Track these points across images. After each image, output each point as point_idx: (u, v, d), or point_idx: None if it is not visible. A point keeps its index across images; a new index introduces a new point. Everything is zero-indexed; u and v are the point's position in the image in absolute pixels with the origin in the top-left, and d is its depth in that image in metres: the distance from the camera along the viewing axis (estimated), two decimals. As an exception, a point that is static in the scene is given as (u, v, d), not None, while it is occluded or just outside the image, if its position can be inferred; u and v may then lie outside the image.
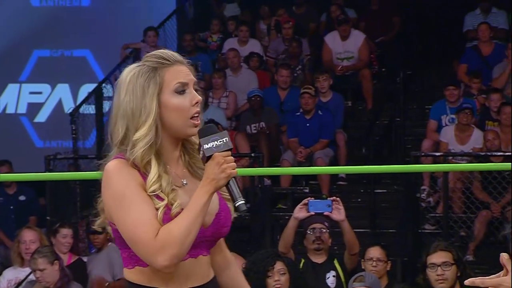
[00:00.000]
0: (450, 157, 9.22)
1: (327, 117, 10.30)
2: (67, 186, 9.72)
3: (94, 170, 9.55)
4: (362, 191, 10.29)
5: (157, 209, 2.75)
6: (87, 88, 12.20)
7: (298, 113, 10.32)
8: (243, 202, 2.77)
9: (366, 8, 12.41)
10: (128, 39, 12.18)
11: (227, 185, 2.78)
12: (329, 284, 6.48)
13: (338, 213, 6.24)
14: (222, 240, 3.01)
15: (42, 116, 13.21)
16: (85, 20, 13.04)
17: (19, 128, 13.15)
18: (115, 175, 2.79)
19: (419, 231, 9.02)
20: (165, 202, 2.75)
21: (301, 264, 6.58)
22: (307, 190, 10.19)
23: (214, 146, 2.77)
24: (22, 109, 13.31)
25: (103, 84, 11.19)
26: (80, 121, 10.74)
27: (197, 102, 2.81)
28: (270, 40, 12.23)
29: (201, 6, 13.44)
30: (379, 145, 10.88)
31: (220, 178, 2.74)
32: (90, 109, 11.00)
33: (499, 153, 8.78)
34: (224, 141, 2.78)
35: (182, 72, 2.83)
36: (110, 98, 11.33)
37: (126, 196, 2.76)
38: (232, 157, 2.77)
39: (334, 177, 10.17)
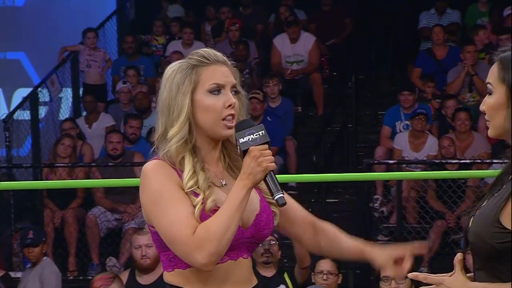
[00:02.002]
0: (404, 165, 9.29)
1: (276, 123, 10.32)
2: (0, 196, 9.64)
3: (29, 180, 9.53)
4: (312, 200, 10.32)
5: (194, 206, 2.80)
6: (21, 93, 12.09)
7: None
8: (282, 195, 2.79)
9: (316, 9, 12.47)
10: (66, 41, 12.10)
11: (264, 179, 2.79)
12: None
13: None
14: (315, 218, 3.14)
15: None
16: (19, 21, 12.95)
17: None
18: (151, 176, 2.85)
19: (372, 242, 9.04)
20: (201, 197, 2.81)
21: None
22: (255, 200, 10.22)
23: (250, 140, 2.80)
24: None
25: (39, 89, 11.10)
26: (14, 127, 10.63)
27: (230, 105, 2.85)
28: (216, 43, 12.23)
29: (142, 6, 13.40)
30: (330, 153, 10.94)
31: (257, 172, 2.77)
32: (25, 115, 10.90)
33: (454, 161, 8.86)
34: (261, 134, 2.81)
35: (220, 72, 2.89)
36: (46, 103, 11.27)
37: (163, 196, 2.82)
38: (269, 151, 2.80)
39: (283, 186, 10.14)
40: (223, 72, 2.89)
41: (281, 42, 11.52)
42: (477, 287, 2.67)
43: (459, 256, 2.71)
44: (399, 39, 12.12)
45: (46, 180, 9.33)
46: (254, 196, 2.88)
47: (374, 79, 12.01)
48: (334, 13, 12.33)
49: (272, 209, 2.93)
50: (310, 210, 10.64)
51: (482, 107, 2.75)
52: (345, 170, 9.91)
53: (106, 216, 9.46)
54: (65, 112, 11.77)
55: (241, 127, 2.83)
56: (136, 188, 10.14)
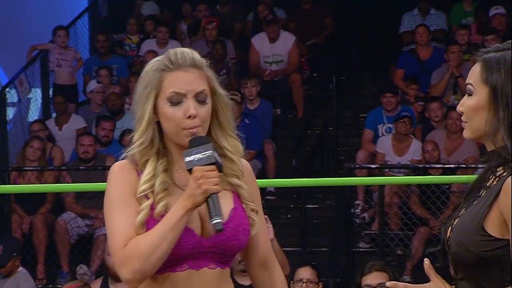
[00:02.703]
0: (387, 170, 9.31)
1: (255, 126, 10.32)
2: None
3: (-3, 184, 9.48)
4: (292, 206, 10.35)
5: (140, 212, 2.80)
6: (-12, 93, 12.05)
7: (223, 122, 10.31)
8: (219, 221, 2.74)
9: (296, 8, 12.49)
10: (35, 40, 12.06)
11: (206, 201, 2.76)
12: None
13: None
14: (270, 257, 3.03)
15: None
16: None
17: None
18: (110, 180, 2.87)
19: (353, 249, 9.07)
20: (149, 202, 2.80)
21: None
22: (232, 205, 10.21)
23: (196, 159, 2.77)
24: None
25: (7, 89, 11.05)
26: (-20, 129, 10.60)
27: (190, 116, 2.81)
28: (192, 42, 12.22)
29: (115, 3, 13.37)
30: (310, 156, 10.95)
31: (197, 194, 2.74)
32: (-9, 116, 10.85)
33: (438, 166, 8.88)
34: (207, 154, 2.77)
35: (182, 80, 2.84)
36: (14, 104, 11.21)
37: (112, 203, 2.84)
38: (214, 172, 2.75)
39: (262, 191, 10.00)
40: (186, 80, 2.84)
41: (259, 42, 11.52)
42: None
43: (427, 262, 2.71)
44: (381, 39, 12.14)
45: (14, 184, 9.29)
46: (224, 205, 2.83)
47: (355, 80, 12.01)
48: (315, 12, 12.35)
49: (254, 219, 2.90)
50: (289, 216, 10.69)
51: (460, 108, 2.74)
52: (326, 175, 9.91)
53: (77, 222, 9.40)
54: (34, 113, 11.72)
55: (191, 145, 2.80)
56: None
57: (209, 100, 2.87)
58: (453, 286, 2.73)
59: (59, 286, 8.31)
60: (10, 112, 11.07)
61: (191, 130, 2.82)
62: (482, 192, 2.71)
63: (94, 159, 9.63)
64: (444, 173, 8.64)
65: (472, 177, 2.94)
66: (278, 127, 11.14)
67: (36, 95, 11.86)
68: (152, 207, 2.80)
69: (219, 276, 2.88)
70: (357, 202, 9.27)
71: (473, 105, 2.70)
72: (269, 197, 10.38)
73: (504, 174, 2.66)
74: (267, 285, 3.04)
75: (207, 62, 2.92)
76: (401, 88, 10.73)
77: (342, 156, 10.79)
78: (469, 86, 2.73)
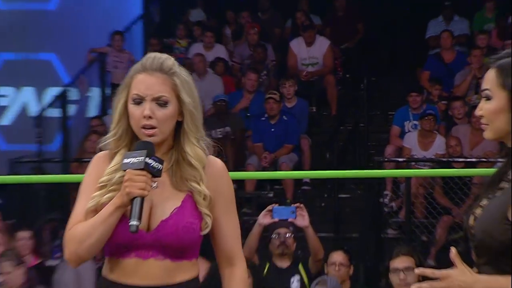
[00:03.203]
0: (413, 163, 9.27)
1: (292, 122, 10.32)
2: (31, 189, 9.66)
3: (59, 173, 9.55)
4: (326, 196, 10.32)
5: (91, 200, 2.86)
6: (52, 92, 12.14)
7: (263, 118, 10.33)
8: (134, 223, 2.73)
9: (331, 15, 12.46)
10: (94, 43, 12.14)
11: (132, 201, 2.76)
12: (295, 284, 6.49)
13: (302, 219, 6.27)
14: (234, 254, 2.97)
15: (6, 119, 13.12)
16: (51, 24, 12.98)
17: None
18: (87, 167, 2.95)
19: (382, 236, 9.05)
20: (99, 192, 2.85)
21: (266, 269, 6.59)
22: (271, 195, 10.21)
23: (130, 162, 2.77)
24: (-8, 113, 13.23)
25: (69, 88, 11.13)
26: (45, 124, 10.68)
27: (144, 116, 2.81)
28: (235, 46, 12.23)
29: (166, 11, 13.42)
30: (343, 150, 10.91)
31: (123, 194, 2.76)
32: (55, 112, 10.94)
33: (461, 159, 8.84)
34: (139, 160, 2.75)
35: (145, 83, 2.84)
36: (75, 102, 11.30)
37: (80, 188, 2.92)
38: (142, 177, 2.74)
39: (298, 182, 10.19)
40: (148, 83, 2.83)
41: (297, 46, 11.51)
42: (486, 279, 2.63)
43: (453, 250, 2.68)
44: (408, 44, 12.09)
45: (75, 174, 9.36)
46: (168, 203, 2.85)
47: (384, 81, 11.97)
48: (348, 18, 12.31)
49: (204, 218, 2.86)
50: (323, 205, 10.65)
51: (480, 112, 2.72)
52: (357, 167, 9.87)
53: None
54: (93, 110, 11.80)
55: (134, 147, 2.81)
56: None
57: (171, 105, 2.84)
58: (475, 271, 2.71)
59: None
60: (72, 109, 11.15)
61: (146, 131, 2.83)
62: (503, 184, 2.70)
63: (146, 151, 9.67)
64: (466, 166, 8.60)
65: (491, 170, 2.91)
66: (314, 124, 11.13)
67: (94, 93, 11.94)
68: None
69: (169, 268, 2.85)
70: (385, 192, 9.23)
71: (493, 108, 2.68)
72: (305, 187, 10.38)
73: None
74: (226, 278, 3.00)
75: (181, 71, 2.88)
76: (427, 88, 10.68)
77: (372, 150, 10.74)
78: (486, 91, 2.71)
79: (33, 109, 12.37)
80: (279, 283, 6.44)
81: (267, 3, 12.63)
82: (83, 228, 2.80)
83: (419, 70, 11.37)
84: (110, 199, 2.80)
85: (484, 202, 2.70)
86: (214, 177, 2.91)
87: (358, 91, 11.47)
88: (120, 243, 2.83)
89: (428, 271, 2.66)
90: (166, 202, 2.86)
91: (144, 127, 2.82)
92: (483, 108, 2.71)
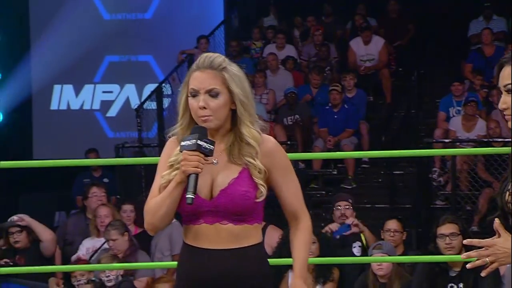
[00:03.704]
0: (458, 143, 9.15)
1: (352, 110, 10.26)
2: (133, 169, 9.80)
3: (156, 156, 9.67)
4: (382, 172, 10.24)
5: (162, 178, 2.89)
6: (149, 88, 12.25)
7: (327, 107, 10.29)
8: (189, 196, 2.76)
9: (385, 17, 12.30)
10: (183, 46, 12.21)
11: (188, 177, 2.78)
12: (355, 253, 6.45)
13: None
14: (298, 209, 2.97)
15: (113, 111, 13.31)
16: (148, 30, 13.09)
17: (94, 121, 13.27)
18: (163, 150, 2.97)
19: (431, 206, 8.95)
20: (169, 171, 2.87)
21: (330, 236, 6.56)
22: (335, 172, 10.17)
23: (186, 145, 2.79)
24: (96, 106, 13.42)
25: (163, 84, 11.22)
26: (144, 115, 10.78)
27: (200, 107, 2.84)
28: (303, 46, 12.18)
29: (244, 17, 13.43)
30: (397, 134, 10.80)
31: (181, 171, 2.79)
32: (152, 105, 11.03)
33: (499, 139, 8.70)
34: (192, 142, 2.78)
35: (197, 79, 2.86)
36: (169, 96, 11.39)
37: (157, 168, 2.94)
38: (195, 157, 2.77)
39: (358, 161, 10.13)
40: (201, 79, 2.85)
41: (356, 44, 11.40)
42: None
43: (497, 221, 2.61)
44: (453, 40, 11.88)
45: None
46: (226, 175, 2.86)
47: (432, 73, 11.80)
48: (400, 20, 12.15)
49: (259, 187, 2.86)
50: (380, 180, 10.60)
51: (503, 106, 2.62)
52: (409, 148, 9.75)
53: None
54: (184, 102, 11.87)
55: (191, 132, 2.83)
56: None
57: (222, 96, 2.85)
58: None
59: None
60: (166, 102, 11.25)
61: (202, 118, 2.84)
62: None
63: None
64: (504, 145, 8.44)
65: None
66: (371, 111, 11.01)
67: (184, 88, 12.01)
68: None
69: (233, 231, 2.86)
70: (434, 169, 9.14)
71: None
72: (364, 166, 10.31)
73: None
74: (293, 229, 3.00)
75: (231, 66, 2.88)
76: (470, 79, 10.49)
77: (422, 133, 10.59)
78: (509, 86, 2.62)
79: (134, 102, 12.50)
80: (343, 248, 6.41)
81: (330, 9, 12.53)
82: (155, 202, 2.85)
83: (462, 63, 11.17)
84: (169, 180, 2.85)
85: None
86: (268, 153, 2.91)
87: (409, 82, 11.34)
88: (188, 212, 2.86)
89: (475, 241, 2.60)
90: (225, 175, 2.87)
91: (200, 117, 2.85)
92: (507, 102, 2.62)
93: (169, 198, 2.82)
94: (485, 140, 8.94)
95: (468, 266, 2.62)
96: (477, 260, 2.56)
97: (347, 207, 6.60)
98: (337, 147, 9.96)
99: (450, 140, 9.23)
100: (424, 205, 8.97)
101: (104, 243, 7.00)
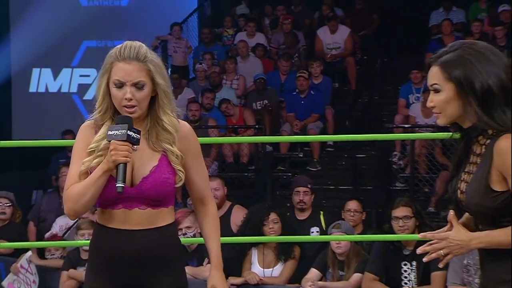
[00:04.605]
0: (417, 128, 9.16)
1: (318, 96, 10.25)
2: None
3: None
4: (346, 155, 10.25)
5: (83, 164, 2.84)
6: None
7: (295, 93, 10.27)
8: (120, 185, 2.74)
9: (351, 7, 12.29)
10: (158, 32, 12.13)
11: (117, 166, 2.75)
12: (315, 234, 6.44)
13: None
14: (206, 195, 3.01)
15: (89, 95, 13.20)
16: (123, 17, 13.01)
17: (71, 104, 13.16)
18: (77, 135, 2.93)
19: (391, 188, 8.99)
20: (90, 157, 2.83)
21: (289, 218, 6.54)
22: (301, 155, 10.18)
23: (114, 134, 2.75)
24: (74, 89, 13.33)
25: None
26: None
27: (126, 98, 2.80)
28: (273, 34, 12.14)
29: (216, 5, 13.37)
30: (360, 119, 10.82)
31: (109, 161, 2.75)
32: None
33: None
34: (121, 132, 2.74)
35: (123, 71, 2.81)
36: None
37: (73, 153, 2.89)
38: (125, 147, 2.73)
39: (323, 144, 10.15)
40: (127, 71, 2.80)
41: (323, 33, 11.39)
42: (479, 235, 2.56)
43: (451, 212, 2.62)
44: (414, 31, 11.90)
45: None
46: (147, 163, 2.84)
47: (394, 61, 11.83)
48: (365, 10, 12.16)
49: (178, 173, 2.86)
50: (343, 163, 10.62)
51: (431, 104, 2.63)
52: (371, 132, 9.78)
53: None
54: (157, 86, 11.81)
55: (117, 121, 2.79)
56: (210, 146, 10.15)
57: (147, 87, 2.82)
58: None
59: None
60: (140, 86, 11.15)
61: (127, 110, 2.80)
62: (474, 159, 2.62)
63: (200, 120, 9.68)
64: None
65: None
66: (336, 97, 11.01)
67: (158, 73, 11.94)
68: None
69: (151, 214, 2.86)
70: (394, 153, 9.15)
71: (444, 99, 2.59)
72: (328, 149, 10.32)
73: (488, 141, 2.58)
74: (200, 213, 3.03)
75: (152, 56, 2.84)
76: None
77: (384, 118, 10.64)
78: (435, 86, 2.62)
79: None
80: (300, 231, 6.42)
81: (298, -2, 12.53)
82: (78, 188, 2.79)
83: (423, 53, 11.19)
84: (98, 163, 2.80)
85: (464, 176, 2.63)
86: (184, 137, 2.91)
87: (373, 70, 11.39)
88: (109, 198, 2.83)
89: (428, 235, 2.59)
90: (145, 162, 2.85)
91: (125, 106, 2.81)
92: (434, 100, 2.62)
93: (94, 186, 2.78)
94: (443, 125, 8.95)
95: (418, 251, 2.62)
96: (432, 253, 2.56)
97: (306, 192, 6.57)
98: (304, 131, 9.95)
99: (410, 125, 9.25)
100: (384, 187, 9.00)
101: (76, 221, 6.96)
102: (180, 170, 2.87)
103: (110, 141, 2.75)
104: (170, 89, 2.90)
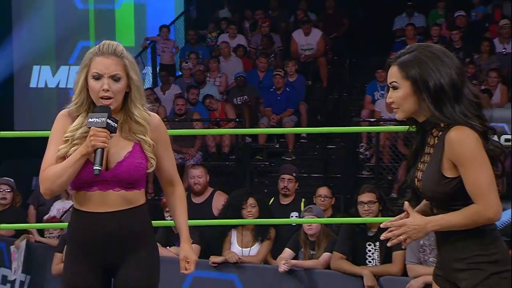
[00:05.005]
0: (381, 122, 9.19)
1: (293, 92, 10.25)
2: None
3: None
4: (317, 146, 10.28)
5: (60, 150, 2.82)
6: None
7: (272, 90, 10.27)
8: (97, 168, 2.74)
9: (323, 12, 12.28)
10: (147, 34, 12.08)
11: (95, 151, 2.75)
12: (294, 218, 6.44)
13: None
14: (174, 177, 3.02)
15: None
16: (116, 19, 12.92)
17: (68, 98, 12.83)
18: (54, 122, 2.90)
19: (358, 176, 9.02)
20: (66, 145, 2.81)
21: (270, 202, 6.56)
22: (277, 146, 10.18)
23: (94, 122, 2.75)
24: (71, 85, 13.08)
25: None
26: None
27: (103, 89, 2.80)
28: (252, 35, 12.12)
29: (201, 10, 13.32)
30: (331, 113, 10.84)
31: (88, 146, 2.75)
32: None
33: (416, 119, 8.77)
34: (101, 120, 2.74)
35: (101, 64, 2.81)
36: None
37: (50, 138, 2.86)
38: (104, 133, 2.74)
39: (297, 136, 10.16)
40: (105, 64, 2.80)
41: (297, 35, 11.38)
42: (434, 219, 2.60)
43: (406, 203, 2.65)
44: (380, 34, 11.94)
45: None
46: (122, 149, 2.84)
47: (362, 62, 11.85)
48: (336, 15, 12.15)
49: (150, 160, 2.87)
50: (315, 153, 10.63)
51: (390, 100, 2.67)
52: (341, 125, 9.79)
53: (175, 156, 9.42)
54: (147, 83, 11.78)
55: (96, 110, 2.78)
56: (195, 137, 10.08)
57: (122, 80, 2.82)
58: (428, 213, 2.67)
59: (161, 197, 8.37)
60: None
61: (104, 101, 2.80)
62: (429, 150, 2.65)
63: (186, 114, 9.65)
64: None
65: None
66: (309, 93, 11.03)
67: (148, 71, 11.89)
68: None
69: (125, 196, 2.86)
70: (361, 144, 9.17)
71: (401, 96, 2.63)
72: (302, 140, 10.33)
73: (440, 133, 2.62)
74: (168, 194, 3.05)
75: (128, 54, 2.86)
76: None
77: (352, 113, 10.66)
78: (393, 83, 2.66)
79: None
80: (281, 215, 6.42)
81: (275, 4, 12.47)
82: (55, 170, 2.78)
83: (389, 53, 11.21)
84: (75, 151, 2.79)
85: (420, 166, 2.66)
86: (155, 128, 2.93)
87: (342, 69, 11.40)
88: (85, 180, 2.83)
89: (388, 224, 2.63)
90: (120, 149, 2.86)
91: (102, 98, 2.80)
92: (393, 96, 2.66)
93: (71, 168, 2.77)
94: (401, 119, 8.97)
95: (381, 237, 2.65)
96: (394, 239, 2.60)
97: (291, 180, 6.58)
98: (279, 124, 9.95)
99: (375, 119, 9.28)
100: (352, 175, 9.02)
101: (72, 204, 6.93)
102: (152, 158, 2.89)
103: (90, 127, 2.74)
104: (142, 85, 2.92)
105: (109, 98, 2.81)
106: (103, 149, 2.75)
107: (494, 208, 2.53)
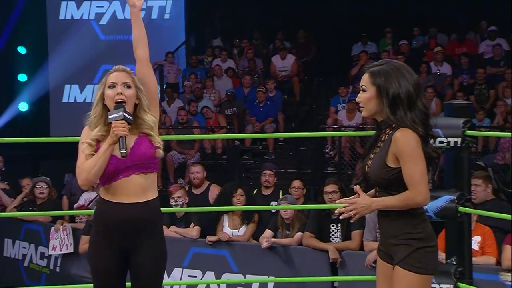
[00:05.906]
0: (343, 128, 9.24)
1: (272, 105, 10.26)
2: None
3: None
4: (292, 148, 10.29)
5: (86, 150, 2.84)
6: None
7: (255, 103, 10.28)
8: (123, 151, 2.75)
9: (296, 41, 12.32)
10: (155, 59, 12.03)
11: (119, 139, 2.76)
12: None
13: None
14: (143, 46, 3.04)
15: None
16: (131, 47, 12.78)
17: (87, 113, 12.95)
18: (81, 134, 2.90)
19: (324, 171, 9.05)
20: (92, 147, 2.83)
21: (254, 192, 6.57)
22: (260, 148, 10.19)
23: (113, 116, 2.77)
24: (95, 100, 13.17)
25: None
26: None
27: (118, 93, 2.83)
28: (240, 60, 12.13)
29: (199, 39, 13.32)
30: (302, 122, 10.88)
31: (112, 136, 2.76)
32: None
33: (370, 126, 8.81)
34: (118, 115, 2.76)
35: (115, 76, 2.87)
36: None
37: (79, 146, 2.86)
38: (123, 124, 2.76)
39: (276, 140, 10.17)
40: (118, 76, 2.86)
41: (276, 60, 11.38)
42: (377, 200, 2.64)
43: (357, 186, 2.69)
44: (341, 58, 12.00)
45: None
46: (129, 139, 2.83)
47: (328, 80, 11.89)
48: (306, 43, 12.19)
49: (157, 148, 2.87)
50: (291, 153, 10.62)
51: (358, 99, 2.72)
52: (311, 131, 9.79)
53: (178, 156, 9.45)
54: (156, 98, 11.71)
55: (114, 108, 2.80)
56: (194, 141, 10.06)
57: (133, 88, 2.86)
58: (373, 195, 2.70)
59: (168, 188, 8.35)
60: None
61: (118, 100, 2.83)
62: (380, 144, 2.68)
63: (187, 122, 9.63)
64: (374, 129, 8.52)
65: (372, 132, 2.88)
66: (285, 106, 11.02)
67: (156, 88, 11.84)
68: (98, 147, 2.83)
69: (145, 177, 2.85)
70: (327, 146, 9.21)
71: (367, 97, 2.67)
72: (280, 143, 10.33)
73: (390, 132, 2.65)
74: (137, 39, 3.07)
75: (132, 73, 2.91)
76: (352, 84, 10.60)
77: (319, 121, 10.69)
78: (363, 86, 2.70)
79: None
80: (263, 203, 6.43)
81: (258, 34, 12.50)
82: (89, 163, 2.79)
83: (347, 74, 11.28)
84: (92, 150, 2.82)
85: (372, 156, 2.69)
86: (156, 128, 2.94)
87: (312, 86, 11.42)
88: (112, 171, 2.81)
89: (343, 201, 2.68)
90: (130, 140, 2.85)
91: (117, 101, 2.83)
92: (361, 97, 2.70)
93: (102, 157, 2.77)
94: (361, 126, 9.05)
95: (336, 212, 2.68)
96: (345, 214, 2.62)
97: (271, 174, 6.60)
98: (262, 130, 9.97)
99: (338, 126, 9.32)
100: (319, 170, 9.06)
101: (96, 196, 6.91)
102: (159, 148, 2.88)
103: (110, 122, 2.76)
104: (145, 95, 2.93)
105: (123, 100, 2.84)
106: (124, 137, 2.77)
107: (422, 195, 2.57)
